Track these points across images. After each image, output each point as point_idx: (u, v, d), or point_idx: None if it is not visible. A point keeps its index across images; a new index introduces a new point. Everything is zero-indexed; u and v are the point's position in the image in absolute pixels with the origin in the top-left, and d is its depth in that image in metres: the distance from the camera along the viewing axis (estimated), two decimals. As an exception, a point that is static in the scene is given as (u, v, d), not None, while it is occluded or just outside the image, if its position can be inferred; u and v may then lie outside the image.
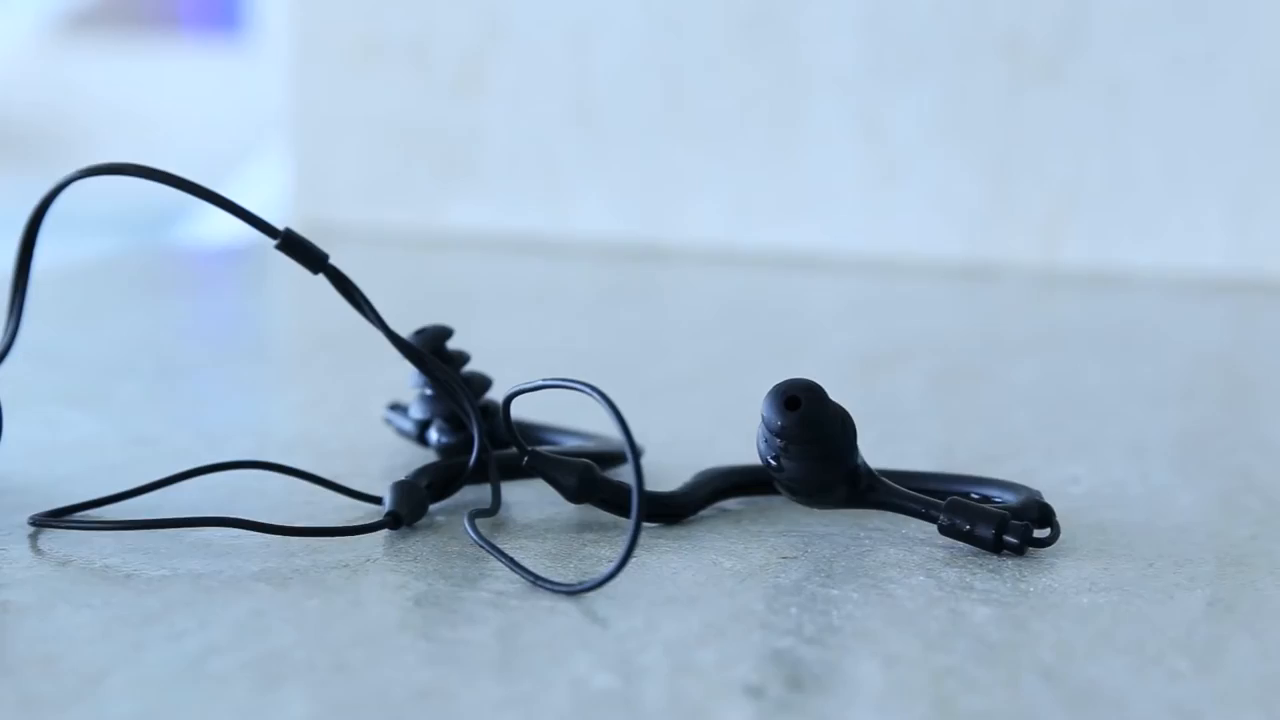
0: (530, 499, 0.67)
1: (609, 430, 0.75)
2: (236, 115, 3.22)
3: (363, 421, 0.80)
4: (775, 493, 0.66)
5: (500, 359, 0.74)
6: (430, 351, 0.69)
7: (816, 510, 0.66)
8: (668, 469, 0.70)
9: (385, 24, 1.46)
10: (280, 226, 0.65)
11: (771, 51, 1.37)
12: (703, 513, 0.67)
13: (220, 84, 3.56)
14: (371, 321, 0.65)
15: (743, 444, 0.78)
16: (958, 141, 1.34)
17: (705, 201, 1.40)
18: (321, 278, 0.65)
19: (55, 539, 0.62)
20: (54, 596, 0.56)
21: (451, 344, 0.71)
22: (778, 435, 0.61)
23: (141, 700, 0.49)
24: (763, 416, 0.62)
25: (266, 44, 3.39)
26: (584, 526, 0.65)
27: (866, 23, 1.35)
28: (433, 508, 0.65)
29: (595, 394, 0.58)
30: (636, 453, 0.57)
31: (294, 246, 0.65)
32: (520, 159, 1.44)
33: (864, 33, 1.35)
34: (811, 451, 0.62)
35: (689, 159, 1.40)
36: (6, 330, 0.69)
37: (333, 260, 0.65)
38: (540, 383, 0.61)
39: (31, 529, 0.63)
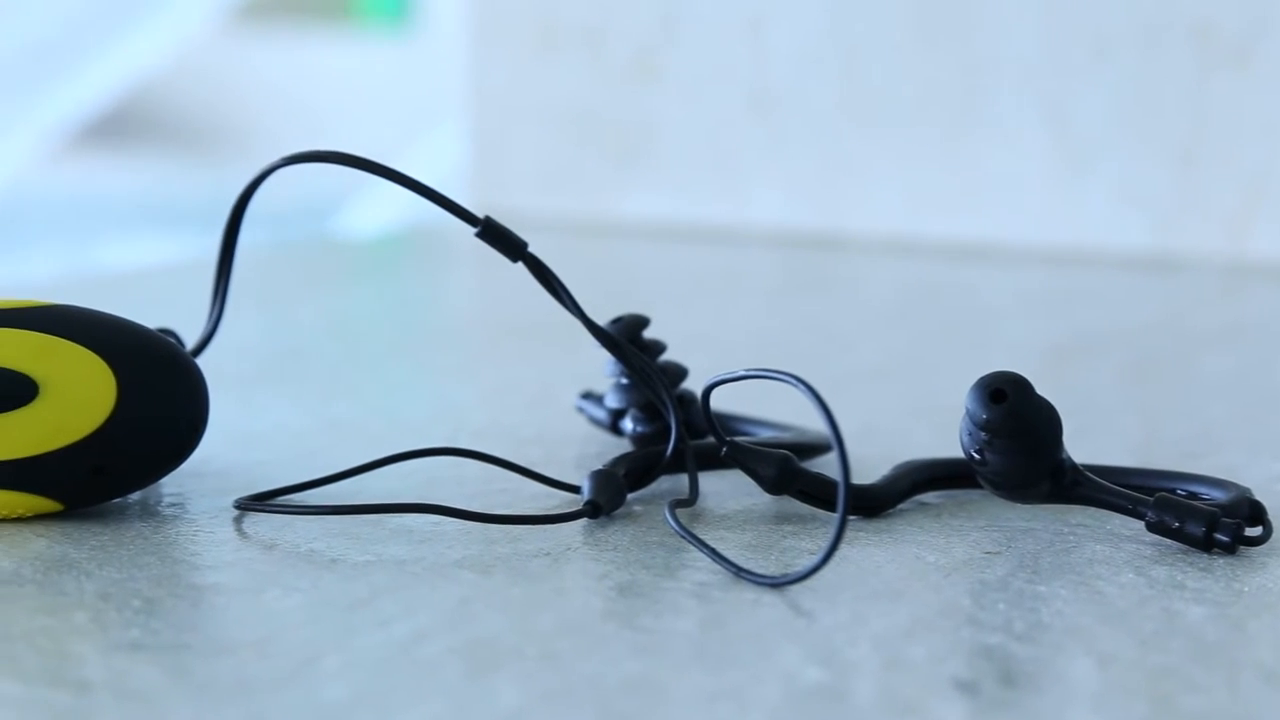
0: (725, 489, 0.67)
1: (798, 420, 0.74)
2: (405, 102, 3.25)
3: (553, 409, 0.80)
4: (975, 486, 0.65)
5: (682, 348, 0.73)
6: (627, 340, 0.69)
7: (1017, 505, 0.65)
8: (861, 461, 0.69)
9: (562, 11, 1.46)
10: (480, 215, 0.65)
11: (951, 38, 1.36)
12: (901, 506, 0.66)
13: (388, 71, 3.60)
14: (570, 310, 0.65)
15: (936, 436, 0.77)
16: (1142, 130, 1.32)
17: (883, 190, 1.39)
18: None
19: (259, 522, 0.62)
20: (263, 580, 0.57)
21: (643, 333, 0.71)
22: (982, 428, 0.60)
23: (355, 684, 0.49)
24: (967, 409, 0.61)
25: (434, 32, 3.41)
26: (782, 518, 0.64)
27: (1049, 9, 1.33)
28: (629, 497, 0.65)
29: (800, 385, 0.57)
30: (843, 445, 0.56)
31: (494, 234, 0.65)
32: (696, 147, 1.43)
33: (1046, 19, 1.33)
34: (1017, 445, 0.61)
35: (867, 147, 1.39)
36: (210, 316, 0.69)
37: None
38: (741, 373, 0.61)
39: (236, 512, 0.63)
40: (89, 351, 0.61)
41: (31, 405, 0.60)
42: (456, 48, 1.59)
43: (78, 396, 0.61)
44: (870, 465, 0.68)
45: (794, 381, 0.58)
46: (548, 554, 0.60)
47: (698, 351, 0.76)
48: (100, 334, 0.62)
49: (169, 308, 1.04)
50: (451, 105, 1.70)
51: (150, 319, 0.68)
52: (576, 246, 1.39)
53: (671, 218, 1.44)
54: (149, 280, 1.27)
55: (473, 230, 0.65)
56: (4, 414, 0.60)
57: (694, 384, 0.71)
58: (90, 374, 0.61)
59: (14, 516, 0.61)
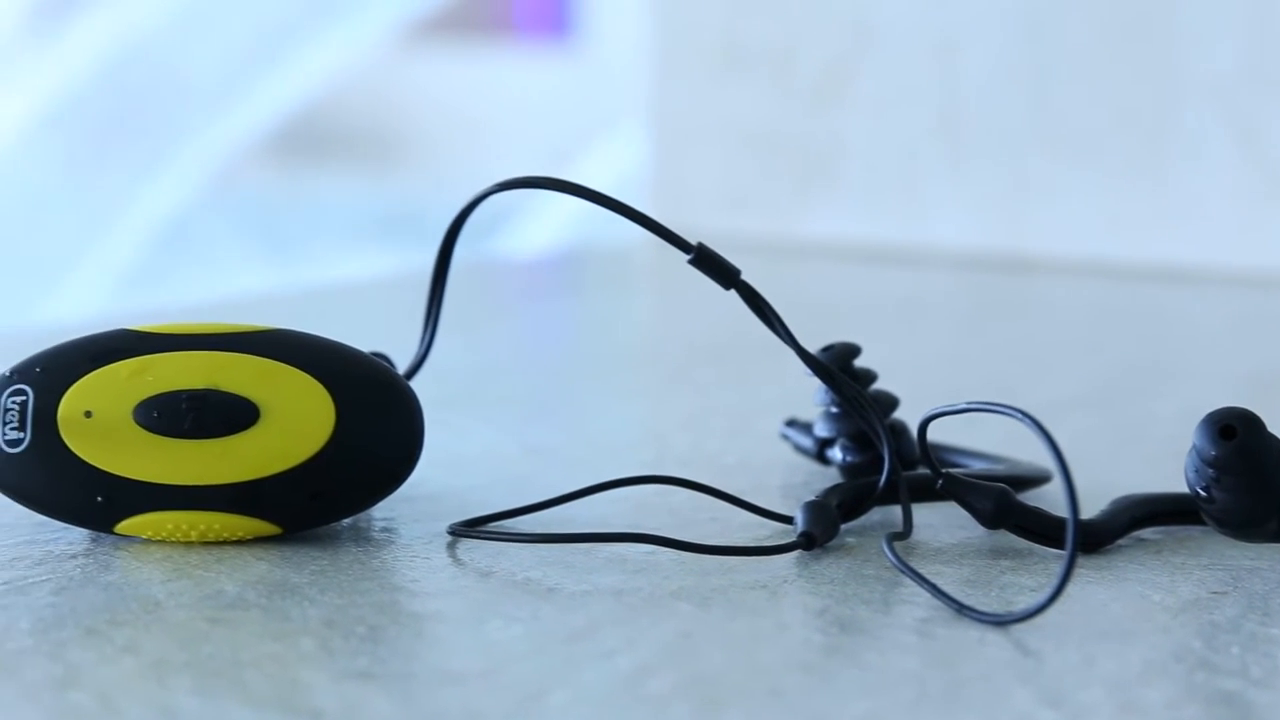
0: (937, 522, 0.66)
1: (999, 449, 0.73)
2: (572, 118, 3.26)
3: (756, 436, 0.80)
4: (1195, 523, 0.64)
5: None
6: (839, 369, 0.68)
7: (1241, 543, 0.64)
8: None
9: (748, 32, 1.45)
10: (693, 241, 0.65)
11: (1143, 57, 1.33)
12: (1118, 541, 0.65)
13: (555, 87, 3.62)
14: (782, 338, 0.65)
15: (1145, 468, 0.76)
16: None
17: (1072, 212, 1.37)
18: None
19: (472, 549, 0.62)
20: (482, 609, 0.57)
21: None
22: (1211, 465, 0.59)
23: (584, 719, 0.49)
24: (1194, 445, 0.59)
25: (602, 47, 3.43)
26: (998, 553, 0.63)
27: (1247, 26, 1.30)
28: (841, 529, 0.64)
29: (1027, 420, 0.56)
30: (1072, 482, 0.55)
31: (707, 261, 0.65)
32: (881, 169, 1.42)
33: (1243, 37, 1.31)
34: (1246, 483, 0.59)
35: (1055, 169, 1.37)
36: (422, 341, 0.70)
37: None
38: (963, 405, 0.60)
39: (449, 538, 0.63)
40: (309, 377, 0.61)
41: (252, 430, 0.61)
42: (636, 64, 1.59)
43: (297, 422, 0.61)
44: (1080, 498, 0.66)
45: (1020, 416, 0.57)
46: (764, 586, 0.59)
47: (889, 376, 0.75)
48: (320, 359, 0.62)
49: (362, 324, 1.05)
50: (626, 121, 1.71)
51: (344, 336, 0.69)
52: (758, 267, 1.37)
53: (855, 239, 1.42)
54: (343, 297, 1.28)
55: (685, 257, 0.65)
56: (226, 438, 0.61)
57: (903, 413, 0.70)
58: (310, 400, 0.61)
59: (234, 539, 0.62)
